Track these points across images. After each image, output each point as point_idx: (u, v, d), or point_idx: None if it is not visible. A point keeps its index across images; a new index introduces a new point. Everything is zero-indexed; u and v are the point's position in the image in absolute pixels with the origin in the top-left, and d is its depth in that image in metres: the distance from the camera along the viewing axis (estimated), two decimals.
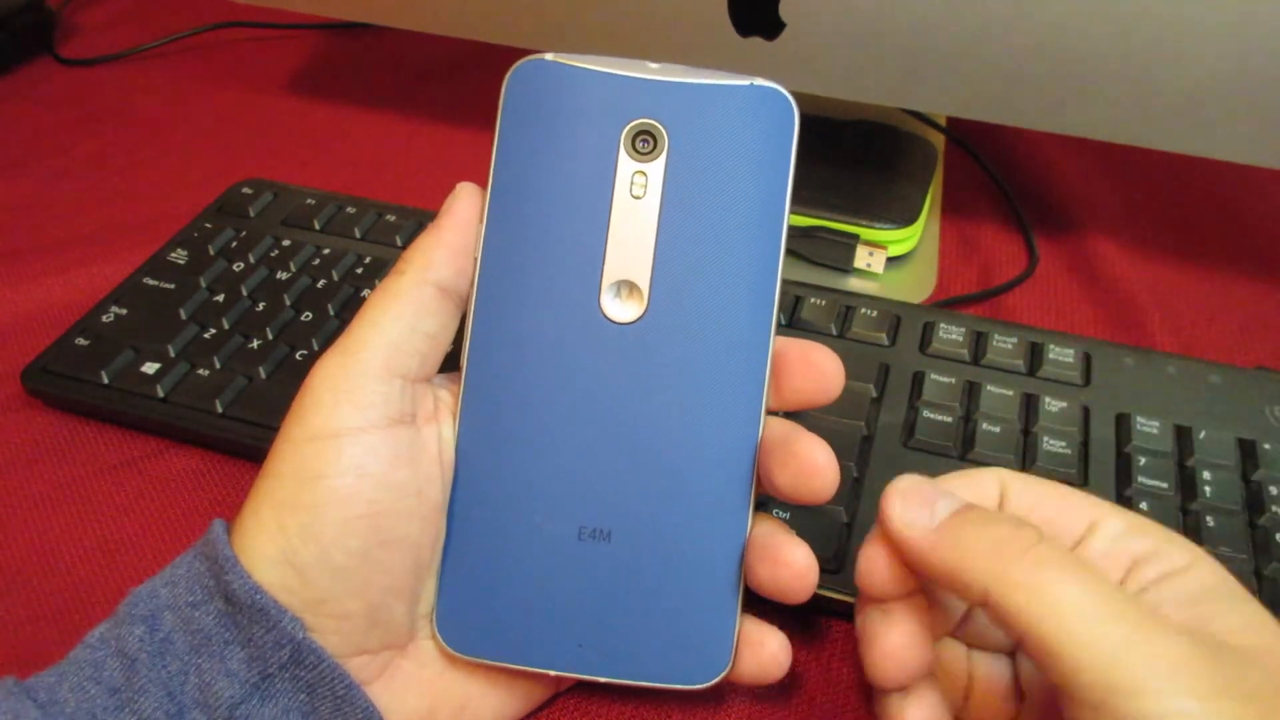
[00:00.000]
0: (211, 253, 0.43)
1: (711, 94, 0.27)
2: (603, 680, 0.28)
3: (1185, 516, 0.33)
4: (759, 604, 0.28)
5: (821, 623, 0.33)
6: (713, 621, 0.28)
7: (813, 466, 0.26)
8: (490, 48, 0.47)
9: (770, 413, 0.28)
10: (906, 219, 0.45)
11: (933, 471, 0.27)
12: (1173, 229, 0.51)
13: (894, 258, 0.46)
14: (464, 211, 0.28)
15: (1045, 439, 0.35)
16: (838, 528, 0.33)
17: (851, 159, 0.48)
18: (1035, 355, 0.38)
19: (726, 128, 0.27)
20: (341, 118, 0.59)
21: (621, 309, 0.27)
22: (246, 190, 0.47)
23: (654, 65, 0.27)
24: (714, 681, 0.28)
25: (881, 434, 0.36)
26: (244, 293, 0.41)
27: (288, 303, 0.41)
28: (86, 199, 0.52)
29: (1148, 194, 0.53)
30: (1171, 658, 0.21)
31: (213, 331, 0.40)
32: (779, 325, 0.28)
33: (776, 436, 0.27)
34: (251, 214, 0.46)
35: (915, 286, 0.46)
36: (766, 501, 0.32)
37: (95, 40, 0.66)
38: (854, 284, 0.46)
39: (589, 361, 0.27)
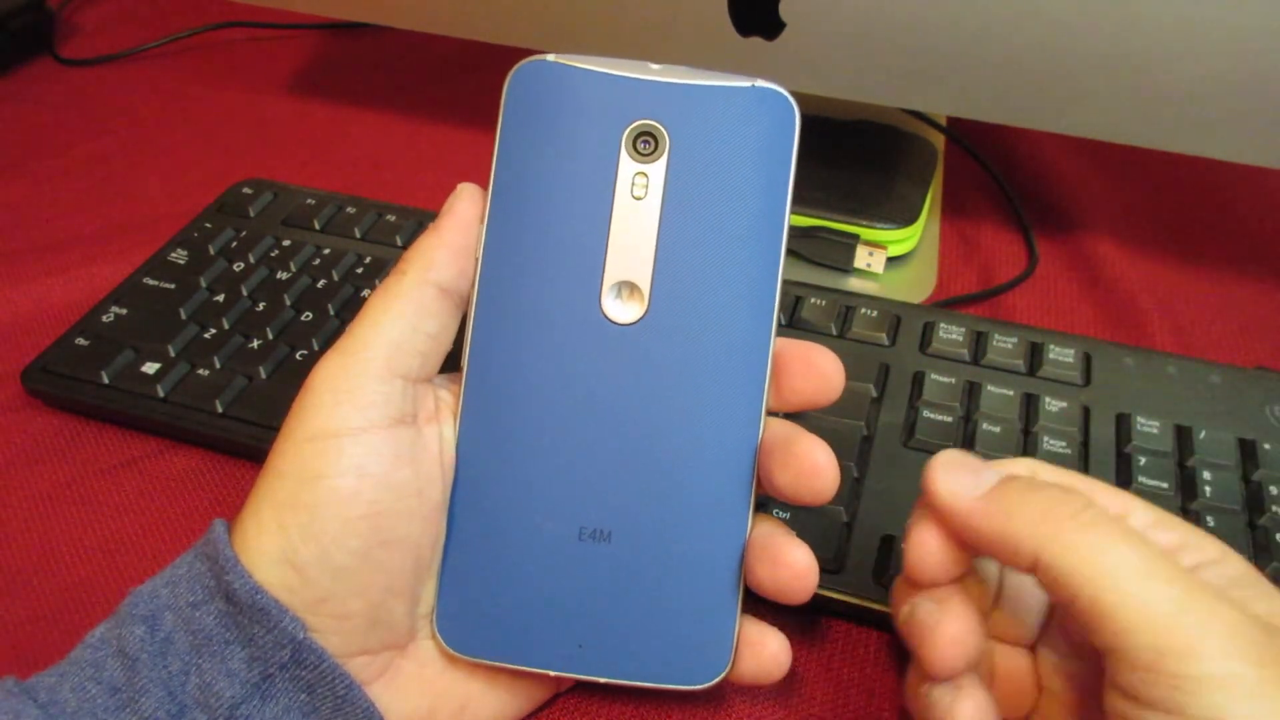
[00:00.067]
0: (211, 253, 0.43)
1: (712, 95, 0.27)
2: (603, 681, 0.28)
3: (1185, 516, 0.33)
4: (759, 604, 0.28)
5: (821, 623, 0.33)
6: (713, 622, 0.28)
7: (813, 467, 0.26)
8: (491, 48, 0.47)
9: (770, 413, 0.28)
10: (906, 219, 0.45)
11: None
12: (1173, 229, 0.51)
13: (894, 258, 0.46)
14: (465, 212, 0.28)
15: (1045, 439, 0.35)
16: (838, 528, 0.33)
17: (851, 159, 0.48)
18: (1035, 355, 0.38)
19: (727, 129, 0.27)
20: (341, 118, 0.59)
21: (622, 310, 0.27)
22: (246, 190, 0.47)
23: (655, 66, 0.27)
24: (714, 682, 0.28)
25: (881, 434, 0.36)
26: (244, 293, 0.41)
27: (288, 303, 0.41)
28: (86, 199, 0.52)
29: (1148, 194, 0.53)
30: (1225, 623, 0.21)
31: (213, 331, 0.40)
32: (779, 325, 0.28)
33: (777, 437, 0.27)
34: (251, 214, 0.46)
35: (915, 286, 0.46)
36: (767, 502, 0.32)
37: (95, 40, 0.66)
38: (854, 284, 0.46)
39: (590, 362, 0.27)
